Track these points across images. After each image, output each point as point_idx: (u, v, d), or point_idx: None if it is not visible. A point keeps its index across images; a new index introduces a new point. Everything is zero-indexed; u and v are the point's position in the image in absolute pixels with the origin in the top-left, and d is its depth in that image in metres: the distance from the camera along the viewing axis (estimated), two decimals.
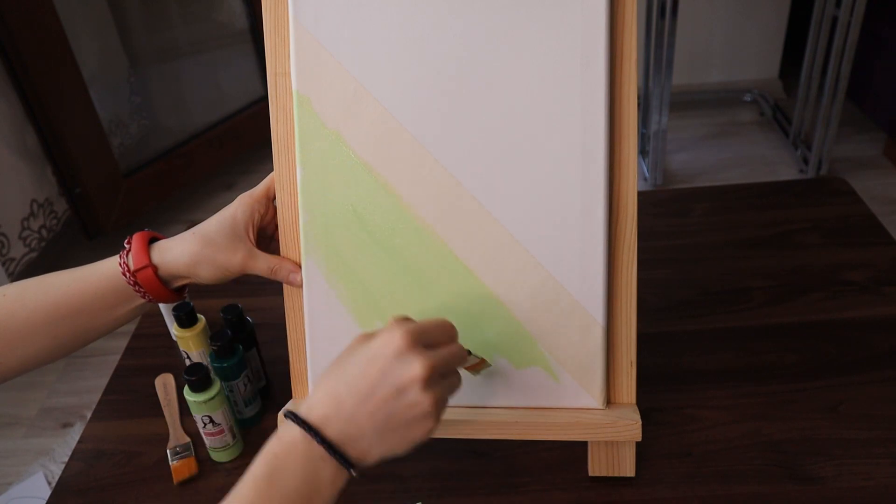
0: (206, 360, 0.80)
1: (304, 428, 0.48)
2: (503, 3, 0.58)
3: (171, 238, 0.65)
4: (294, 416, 0.49)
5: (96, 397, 0.87)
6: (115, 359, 0.92)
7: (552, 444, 0.72)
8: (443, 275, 0.63)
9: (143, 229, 0.67)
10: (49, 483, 1.56)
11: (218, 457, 0.74)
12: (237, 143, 2.55)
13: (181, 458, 0.74)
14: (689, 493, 0.67)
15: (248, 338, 0.78)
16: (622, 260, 0.63)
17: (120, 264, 0.63)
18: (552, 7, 0.58)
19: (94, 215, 2.14)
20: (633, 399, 0.66)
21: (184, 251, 0.63)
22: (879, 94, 2.29)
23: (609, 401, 0.66)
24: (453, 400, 0.66)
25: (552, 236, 0.62)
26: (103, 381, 0.92)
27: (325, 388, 0.50)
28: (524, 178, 0.61)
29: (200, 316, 0.80)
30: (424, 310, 0.64)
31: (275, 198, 0.66)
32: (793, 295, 0.88)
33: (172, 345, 0.89)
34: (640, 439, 0.64)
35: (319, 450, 0.47)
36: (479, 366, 0.63)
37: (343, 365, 0.50)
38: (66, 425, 1.72)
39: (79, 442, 0.79)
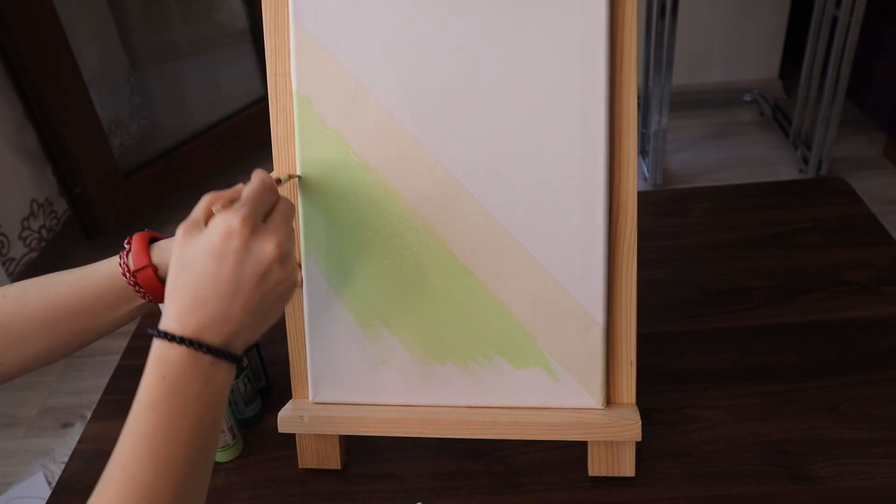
0: None
1: (185, 344, 0.46)
2: (503, 3, 0.58)
3: (171, 238, 0.65)
4: (166, 334, 0.47)
5: (96, 397, 0.87)
6: (115, 359, 0.92)
7: (552, 444, 0.72)
8: (442, 275, 0.63)
9: (143, 229, 0.66)
10: (49, 483, 1.56)
11: (218, 457, 0.74)
12: (237, 143, 2.55)
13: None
14: (689, 493, 0.67)
15: None
16: (622, 260, 0.63)
17: (120, 265, 0.62)
18: (552, 7, 0.58)
19: (94, 215, 2.14)
20: (633, 399, 0.66)
21: None
22: (879, 94, 2.29)
23: (609, 401, 0.66)
24: (454, 400, 0.67)
25: (552, 236, 0.62)
26: (103, 381, 0.92)
27: (185, 296, 0.48)
28: (524, 178, 0.61)
29: None
30: (424, 310, 0.64)
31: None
32: (793, 295, 0.88)
33: None
34: (639, 439, 0.65)
35: (207, 358, 0.47)
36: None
37: (190, 268, 0.48)
38: (66, 425, 1.72)
39: (79, 442, 0.79)
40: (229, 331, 0.48)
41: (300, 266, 0.54)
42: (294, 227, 0.55)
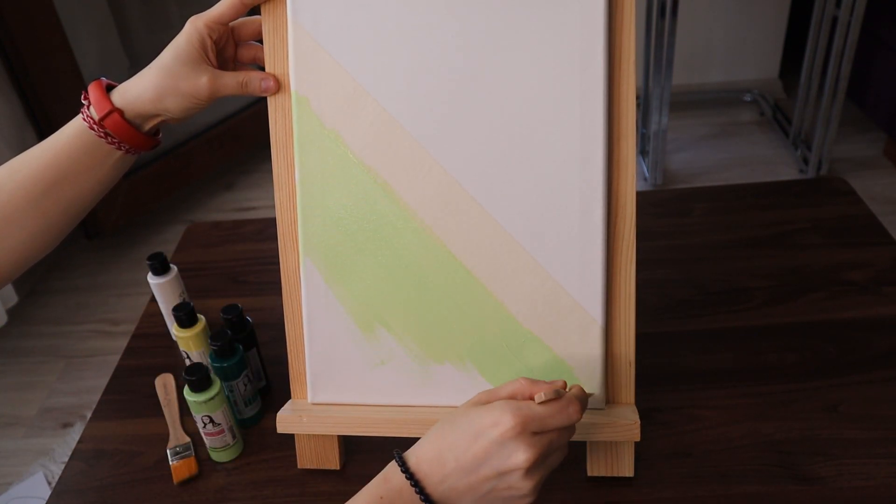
0: (206, 360, 0.80)
1: (411, 481, 0.51)
2: (502, 3, 0.58)
3: (129, 79, 0.62)
4: (404, 464, 0.52)
5: (96, 397, 0.87)
6: (115, 359, 0.92)
7: None
8: (441, 275, 0.63)
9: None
10: (49, 483, 1.56)
11: (218, 457, 0.74)
12: (237, 143, 2.55)
13: (181, 458, 0.74)
14: (689, 493, 0.67)
15: (248, 338, 0.78)
16: (621, 260, 0.63)
17: (84, 119, 0.60)
18: (551, 8, 0.58)
19: (93, 215, 2.13)
20: (632, 399, 0.66)
21: (146, 86, 0.61)
22: (879, 94, 2.29)
23: (608, 401, 0.66)
24: (454, 400, 0.66)
25: (551, 236, 0.62)
26: (103, 381, 0.92)
27: (434, 444, 0.52)
28: (523, 179, 0.61)
29: (200, 316, 0.80)
30: (423, 310, 0.64)
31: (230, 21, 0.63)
32: (793, 295, 0.88)
33: (172, 345, 0.89)
34: (638, 439, 0.64)
35: (420, 502, 0.51)
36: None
37: (453, 427, 0.52)
38: (66, 425, 1.72)
39: (79, 442, 0.79)
40: (450, 497, 0.51)
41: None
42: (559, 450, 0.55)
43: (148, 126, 0.63)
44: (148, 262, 0.83)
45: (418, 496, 0.51)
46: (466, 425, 0.51)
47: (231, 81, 0.62)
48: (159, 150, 2.39)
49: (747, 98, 2.70)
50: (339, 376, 0.67)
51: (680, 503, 0.66)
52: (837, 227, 0.98)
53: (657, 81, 2.15)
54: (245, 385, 0.75)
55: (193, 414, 0.71)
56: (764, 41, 2.63)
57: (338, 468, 0.72)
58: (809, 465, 0.68)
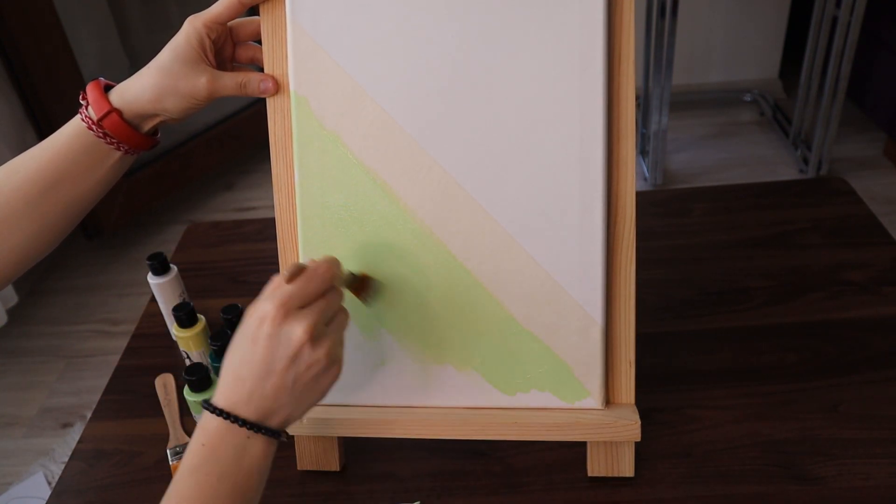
0: (206, 360, 0.80)
1: (222, 416, 0.50)
2: (501, 3, 0.58)
3: (128, 79, 0.62)
4: (210, 406, 0.51)
5: (96, 397, 0.87)
6: (115, 359, 0.92)
7: (552, 444, 0.72)
8: (441, 276, 0.63)
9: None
10: (49, 483, 1.56)
11: None
12: (237, 143, 2.55)
13: (181, 457, 0.74)
14: (689, 493, 0.67)
15: None
16: (621, 259, 0.63)
17: (83, 119, 0.60)
18: (550, 8, 0.58)
19: (93, 215, 2.13)
20: (632, 399, 0.66)
21: (144, 86, 0.61)
22: (879, 94, 2.29)
23: (608, 401, 0.66)
24: (453, 401, 0.66)
25: (551, 237, 0.62)
26: (103, 381, 0.92)
27: (229, 371, 0.52)
28: (523, 179, 0.61)
29: (200, 316, 0.80)
30: (423, 311, 0.64)
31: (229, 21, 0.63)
32: (793, 295, 0.88)
33: (172, 345, 0.89)
34: (639, 439, 0.64)
35: (243, 431, 0.50)
36: (365, 287, 0.63)
37: (235, 346, 0.52)
38: (66, 425, 1.72)
39: (79, 442, 0.79)
40: (266, 407, 0.51)
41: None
42: (343, 311, 0.56)
43: (147, 126, 0.63)
44: (148, 262, 0.84)
45: (236, 424, 0.50)
46: (241, 337, 0.52)
47: (230, 82, 0.62)
48: (159, 150, 2.39)
49: (747, 98, 2.70)
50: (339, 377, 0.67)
51: (680, 503, 0.66)
52: (837, 227, 0.98)
53: (657, 81, 2.15)
54: None
55: (193, 414, 0.71)
56: (764, 41, 2.63)
57: (338, 469, 0.72)
58: (809, 465, 0.68)
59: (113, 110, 0.60)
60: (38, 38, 1.94)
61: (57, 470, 1.58)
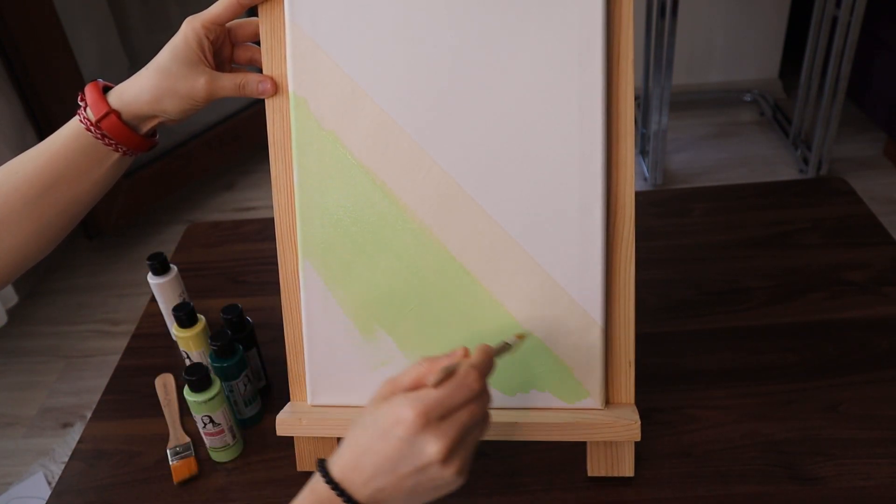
0: (206, 360, 0.80)
1: (335, 490, 0.49)
2: (501, 3, 0.58)
3: (126, 81, 0.62)
4: (327, 475, 0.50)
5: (96, 397, 0.87)
6: (115, 359, 0.92)
7: (552, 444, 0.72)
8: (441, 277, 0.63)
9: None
10: (49, 483, 1.56)
11: (218, 457, 0.74)
12: (237, 143, 2.55)
13: (181, 458, 0.74)
14: (689, 493, 0.67)
15: (248, 338, 0.78)
16: (620, 259, 0.63)
17: (81, 121, 0.60)
18: (549, 8, 0.58)
19: (93, 215, 2.13)
20: (632, 399, 0.66)
21: (143, 88, 0.60)
22: (879, 94, 2.29)
23: (608, 401, 0.66)
24: None
25: (550, 237, 0.62)
26: (103, 381, 0.92)
27: (351, 448, 0.51)
28: (522, 179, 0.61)
29: (200, 316, 0.80)
30: (422, 311, 0.64)
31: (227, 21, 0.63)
32: (793, 295, 0.88)
33: (172, 345, 0.89)
34: (639, 439, 0.64)
35: None
36: (507, 349, 0.60)
37: (363, 429, 0.51)
38: (66, 425, 1.72)
39: (79, 442, 0.79)
40: (378, 498, 0.50)
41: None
42: (478, 428, 0.52)
43: (145, 127, 0.63)
44: (148, 262, 0.83)
45: (345, 502, 0.49)
46: (373, 426, 0.50)
47: (228, 83, 0.62)
48: (159, 150, 2.39)
49: (747, 98, 2.70)
50: (338, 378, 0.67)
51: (680, 503, 0.66)
52: (837, 227, 0.98)
53: (657, 81, 2.15)
54: (245, 385, 0.75)
55: (193, 414, 0.71)
56: (764, 41, 2.63)
57: None
58: (809, 465, 0.68)
59: (111, 111, 0.60)
60: (38, 38, 1.94)
61: (57, 470, 1.58)
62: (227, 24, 0.63)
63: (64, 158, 0.60)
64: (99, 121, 0.60)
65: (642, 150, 2.41)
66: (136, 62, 2.45)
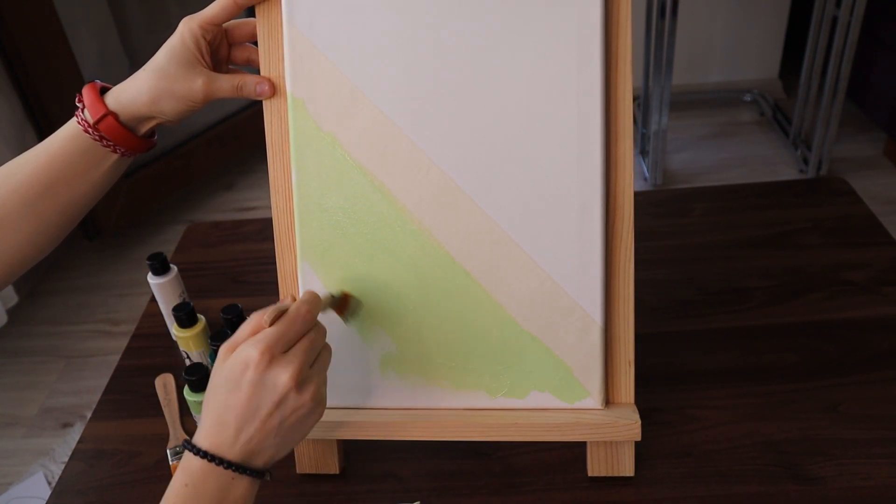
0: (206, 360, 0.80)
1: (206, 458, 0.50)
2: (499, 4, 0.58)
3: (123, 81, 0.62)
4: (193, 447, 0.51)
5: (96, 397, 0.87)
6: (115, 359, 0.92)
7: (552, 444, 0.72)
8: (440, 278, 0.63)
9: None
10: (49, 483, 1.56)
11: None
12: (237, 143, 2.55)
13: (181, 457, 0.74)
14: (689, 493, 0.67)
15: None
16: (619, 259, 0.63)
17: (79, 122, 0.60)
18: (547, 8, 0.58)
19: (93, 215, 2.13)
20: (632, 398, 0.66)
21: (140, 89, 0.60)
22: (879, 94, 2.29)
23: (608, 401, 0.66)
24: (453, 403, 0.66)
25: (550, 237, 0.62)
26: (103, 381, 0.92)
27: (210, 413, 0.52)
28: (521, 179, 0.61)
29: (200, 316, 0.80)
30: (421, 312, 0.64)
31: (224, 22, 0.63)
32: (793, 295, 0.88)
33: (172, 345, 0.89)
34: (639, 439, 0.64)
35: (228, 473, 0.50)
36: (346, 306, 0.63)
37: (216, 390, 0.52)
38: (66, 425, 1.72)
39: (79, 442, 0.79)
40: (250, 449, 0.51)
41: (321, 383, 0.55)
42: (324, 355, 0.56)
43: (143, 128, 0.63)
44: (148, 262, 0.84)
45: (220, 466, 0.50)
46: (224, 383, 0.51)
47: (226, 84, 0.62)
48: (159, 151, 2.39)
49: (747, 98, 2.70)
50: (337, 380, 0.67)
51: (680, 503, 0.66)
52: (837, 227, 0.98)
53: (657, 81, 2.15)
54: None
55: (193, 414, 0.71)
56: (764, 41, 2.63)
57: (337, 472, 0.71)
58: (809, 465, 0.68)
59: (109, 113, 0.60)
60: (38, 38, 1.94)
61: (57, 470, 1.58)
62: (224, 25, 0.63)
63: (62, 160, 0.60)
64: (96, 122, 0.60)
65: (642, 150, 2.40)
66: (136, 62, 2.45)
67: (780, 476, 0.67)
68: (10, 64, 1.94)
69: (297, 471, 0.72)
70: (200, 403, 0.69)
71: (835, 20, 2.05)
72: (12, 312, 2.00)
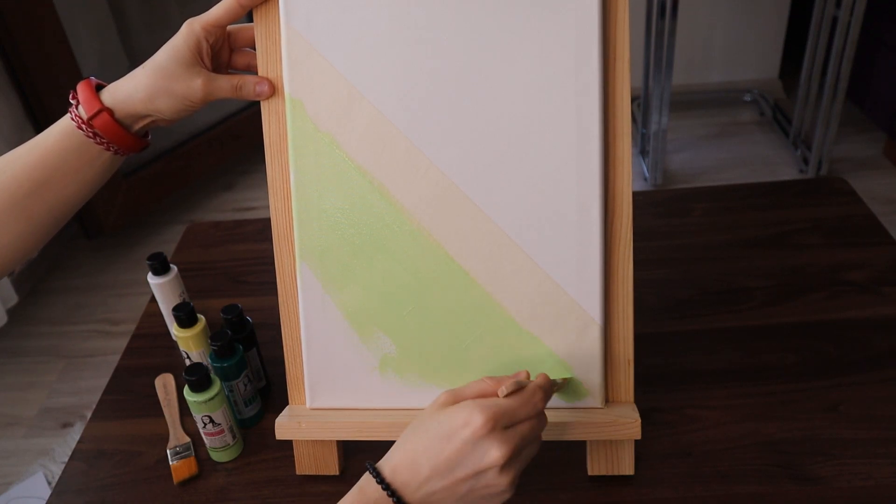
0: (206, 360, 0.80)
1: (387, 492, 0.50)
2: (497, 4, 0.58)
3: (120, 79, 0.62)
4: (378, 475, 0.51)
5: (96, 397, 0.87)
6: (115, 359, 0.93)
7: (552, 444, 0.72)
8: (439, 278, 0.63)
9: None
10: (49, 483, 1.56)
11: (218, 457, 0.74)
12: (237, 143, 2.55)
13: (181, 458, 0.74)
14: (689, 493, 0.67)
15: (248, 338, 0.78)
16: (618, 258, 0.63)
17: (73, 118, 0.59)
18: (546, 8, 0.58)
19: (93, 215, 2.14)
20: (632, 397, 0.66)
21: (137, 86, 0.60)
22: (879, 94, 2.29)
23: (608, 400, 0.66)
24: None
25: (549, 236, 0.62)
26: (103, 381, 0.92)
27: (407, 451, 0.52)
28: (520, 179, 0.61)
29: (200, 316, 0.80)
30: (421, 312, 0.64)
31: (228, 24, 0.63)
32: (793, 295, 0.88)
33: (172, 345, 0.89)
34: (639, 437, 0.64)
35: None
36: (561, 389, 0.63)
37: (423, 431, 0.52)
38: (66, 425, 1.72)
39: (79, 442, 0.79)
40: (428, 500, 0.51)
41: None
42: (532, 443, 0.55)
43: (137, 126, 0.63)
44: (148, 262, 0.83)
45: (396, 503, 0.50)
46: (437, 428, 0.51)
47: (225, 85, 0.62)
48: (159, 150, 2.39)
49: (747, 98, 2.70)
50: (337, 381, 0.67)
51: (680, 503, 0.66)
52: (837, 227, 0.98)
53: (657, 81, 2.15)
54: (245, 385, 0.75)
55: (193, 414, 0.71)
56: (764, 41, 2.63)
57: (337, 473, 0.71)
58: (809, 465, 0.68)
59: (104, 109, 0.59)
60: (38, 38, 1.94)
61: (57, 470, 1.58)
62: (227, 29, 0.63)
63: (54, 157, 0.59)
64: (91, 119, 0.59)
65: (642, 150, 2.41)
66: (136, 62, 2.44)
67: (780, 476, 0.67)
68: (10, 63, 1.94)
69: (297, 471, 0.72)
70: (200, 403, 0.69)
71: (835, 20, 2.05)
72: (12, 312, 2.00)
